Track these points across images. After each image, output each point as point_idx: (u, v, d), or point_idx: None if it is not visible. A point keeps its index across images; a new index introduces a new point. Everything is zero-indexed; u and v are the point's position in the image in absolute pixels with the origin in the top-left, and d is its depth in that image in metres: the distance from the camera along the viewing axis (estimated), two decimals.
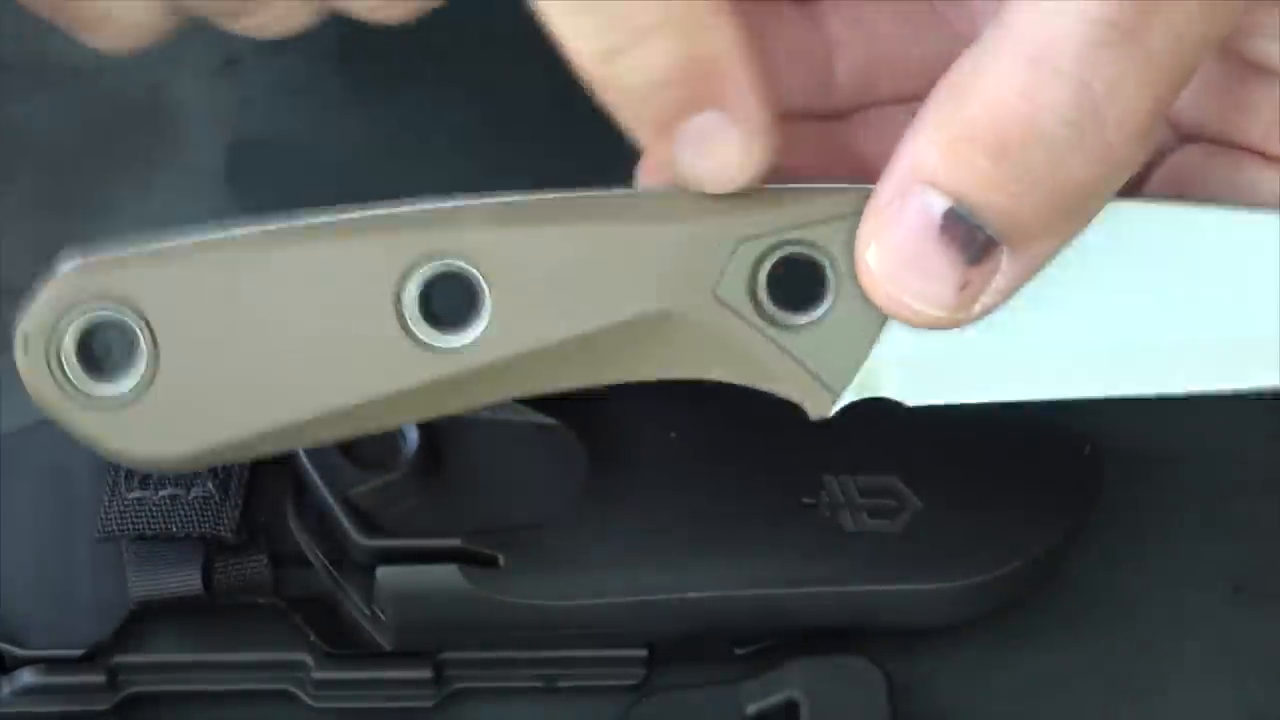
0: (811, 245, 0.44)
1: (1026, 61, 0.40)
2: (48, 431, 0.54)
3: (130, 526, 0.51)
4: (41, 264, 0.58)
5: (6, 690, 0.52)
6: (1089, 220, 0.42)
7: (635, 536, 0.52)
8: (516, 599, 0.50)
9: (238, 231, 0.44)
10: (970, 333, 0.44)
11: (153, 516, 0.51)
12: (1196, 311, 0.45)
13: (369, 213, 0.44)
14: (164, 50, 0.63)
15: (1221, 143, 0.47)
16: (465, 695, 0.53)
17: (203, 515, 0.51)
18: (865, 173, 0.45)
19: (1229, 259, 0.45)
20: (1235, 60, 0.45)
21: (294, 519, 0.52)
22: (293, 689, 0.53)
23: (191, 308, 0.43)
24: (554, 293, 0.44)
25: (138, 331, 0.43)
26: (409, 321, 0.44)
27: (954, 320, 0.43)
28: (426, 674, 0.52)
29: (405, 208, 0.44)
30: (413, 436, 0.52)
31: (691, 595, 0.51)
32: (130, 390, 0.44)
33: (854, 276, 0.43)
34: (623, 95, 0.41)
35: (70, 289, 0.43)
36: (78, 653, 0.52)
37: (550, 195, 0.44)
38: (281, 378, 0.44)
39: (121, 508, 0.51)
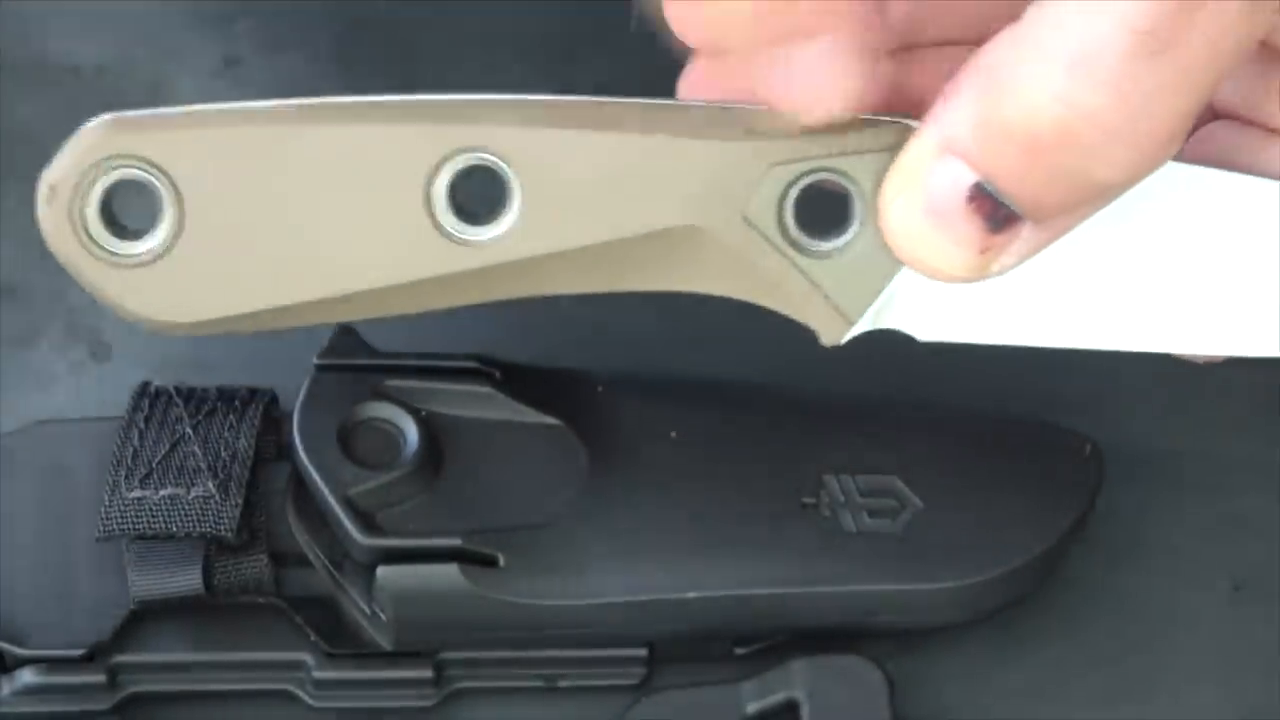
0: (842, 174, 0.44)
1: (1065, 65, 0.40)
2: (48, 431, 0.54)
3: (130, 526, 0.51)
4: (41, 264, 0.59)
5: (6, 690, 0.52)
6: (1114, 200, 0.43)
7: (635, 536, 0.52)
8: (516, 599, 0.50)
9: (272, 104, 0.44)
10: None
11: (153, 516, 0.51)
12: (1218, 274, 0.45)
13: (407, 99, 0.44)
14: (164, 50, 0.64)
15: (1250, 123, 0.47)
16: (465, 695, 0.53)
17: (203, 515, 0.51)
18: (909, 108, 0.46)
19: (1255, 225, 0.45)
20: (1267, 49, 0.46)
21: (294, 519, 0.52)
22: (293, 689, 0.53)
23: (220, 174, 0.43)
24: (584, 196, 0.44)
25: (163, 193, 0.43)
26: (436, 211, 0.44)
27: (969, 278, 0.43)
28: (426, 674, 0.53)
29: (443, 97, 0.44)
30: (413, 436, 0.52)
31: (691, 595, 0.51)
32: (150, 251, 0.43)
33: None
34: None
35: (99, 144, 0.43)
36: (78, 653, 0.52)
37: (590, 99, 0.44)
38: (304, 254, 0.44)
39: (121, 508, 0.51)
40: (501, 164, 0.44)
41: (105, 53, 0.64)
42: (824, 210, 0.45)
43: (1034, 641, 0.54)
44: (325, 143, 0.43)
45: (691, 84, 0.46)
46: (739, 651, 0.53)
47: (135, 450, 0.52)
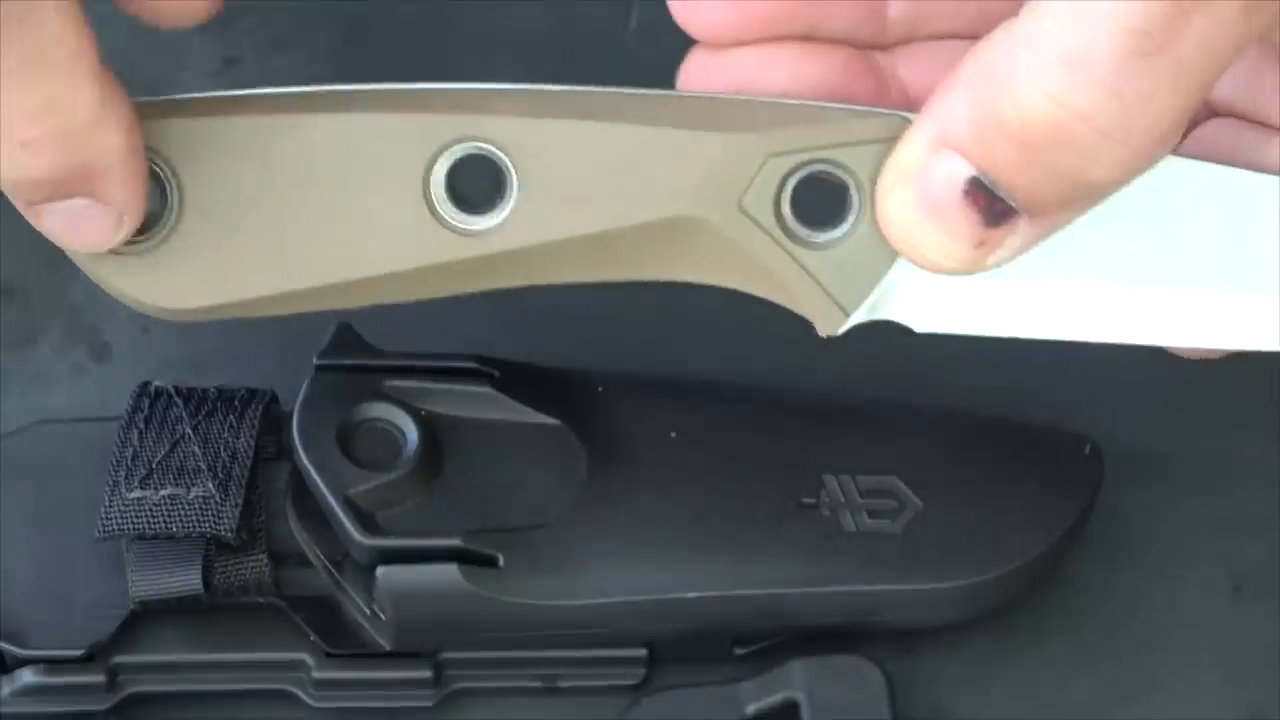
0: (839, 166, 0.44)
1: (1059, 65, 0.40)
2: (48, 431, 0.54)
3: (130, 526, 0.51)
4: (41, 264, 0.59)
5: (6, 690, 0.52)
6: (1109, 196, 0.43)
7: (635, 536, 0.52)
8: (516, 599, 0.50)
9: (271, 91, 0.44)
10: None
11: (153, 516, 0.51)
12: (1215, 268, 0.45)
13: (405, 88, 0.44)
14: (164, 50, 0.64)
15: (1249, 120, 0.47)
16: (465, 695, 0.53)
17: (203, 515, 0.51)
18: (906, 102, 0.47)
19: (1251, 220, 0.45)
20: (1267, 45, 0.46)
21: (294, 519, 0.52)
22: (293, 689, 0.53)
23: (219, 161, 0.43)
24: (581, 187, 0.44)
25: (162, 179, 0.43)
26: (435, 200, 0.44)
27: (965, 270, 0.44)
28: (426, 674, 0.52)
29: (441, 86, 0.44)
30: (413, 436, 0.52)
31: (691, 595, 0.51)
32: (149, 237, 0.44)
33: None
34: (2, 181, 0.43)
35: None
36: (78, 653, 0.52)
37: (589, 89, 0.44)
38: (303, 242, 0.44)
39: (121, 508, 0.51)
40: (499, 153, 0.44)
41: (105, 52, 0.64)
42: (821, 202, 0.45)
43: (1034, 641, 0.54)
44: (323, 130, 0.44)
45: (690, 74, 0.46)
46: (739, 651, 0.53)
47: (135, 450, 0.52)
